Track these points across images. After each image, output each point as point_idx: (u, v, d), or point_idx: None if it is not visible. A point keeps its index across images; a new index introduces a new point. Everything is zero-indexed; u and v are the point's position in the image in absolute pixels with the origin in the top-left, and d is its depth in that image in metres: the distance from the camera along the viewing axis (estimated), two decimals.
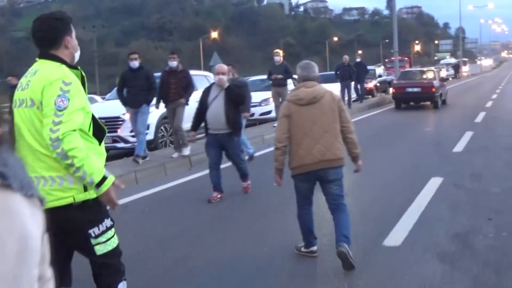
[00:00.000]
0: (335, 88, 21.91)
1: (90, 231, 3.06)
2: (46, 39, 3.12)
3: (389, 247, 5.45)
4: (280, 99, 15.10)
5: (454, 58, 78.53)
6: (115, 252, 3.22)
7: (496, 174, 8.78)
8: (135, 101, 10.13)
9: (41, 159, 2.96)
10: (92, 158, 2.97)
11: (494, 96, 27.96)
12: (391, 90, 26.48)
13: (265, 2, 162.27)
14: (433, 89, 20.97)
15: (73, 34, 3.21)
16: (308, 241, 5.32)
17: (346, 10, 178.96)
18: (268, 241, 5.83)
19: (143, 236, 6.27)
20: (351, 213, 6.64)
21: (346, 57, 21.16)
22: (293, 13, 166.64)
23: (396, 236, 5.71)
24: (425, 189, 7.71)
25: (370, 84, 29.06)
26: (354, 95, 23.36)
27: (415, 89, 21.32)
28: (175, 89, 10.55)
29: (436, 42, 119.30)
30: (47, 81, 2.94)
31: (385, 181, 8.48)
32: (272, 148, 12.35)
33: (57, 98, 2.89)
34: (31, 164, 2.93)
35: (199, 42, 61.51)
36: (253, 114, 18.06)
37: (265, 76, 21.64)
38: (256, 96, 18.35)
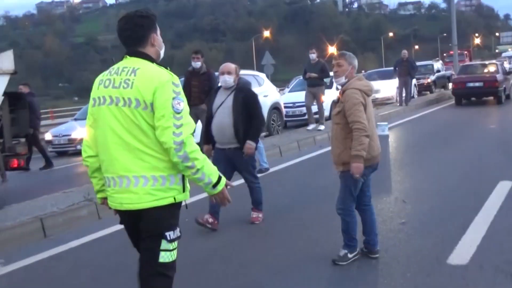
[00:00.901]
0: (393, 84, 21.30)
1: (167, 234, 3.03)
2: (133, 37, 3.10)
3: (454, 266, 4.73)
4: (315, 101, 14.58)
5: None
6: (173, 266, 3.13)
7: None
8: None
9: (142, 159, 2.94)
10: (208, 159, 3.03)
11: None
12: (450, 85, 25.42)
13: (318, 0, 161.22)
14: (496, 83, 19.80)
15: (158, 31, 3.20)
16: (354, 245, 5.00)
17: (402, 5, 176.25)
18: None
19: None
20: (409, 224, 6.08)
21: (405, 52, 20.27)
22: (347, 9, 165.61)
23: (462, 253, 4.99)
24: (493, 195, 6.92)
25: (428, 80, 27.94)
26: (411, 92, 22.53)
27: (477, 84, 20.19)
28: (197, 92, 9.61)
29: (497, 34, 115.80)
30: (159, 83, 2.91)
31: (447, 186, 7.69)
32: (325, 150, 11.91)
33: (173, 101, 2.89)
34: (126, 163, 2.95)
35: (252, 42, 61.35)
36: (305, 114, 17.53)
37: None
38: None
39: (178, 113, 2.89)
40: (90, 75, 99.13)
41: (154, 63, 3.06)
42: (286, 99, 18.01)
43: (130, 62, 3.06)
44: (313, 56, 14.28)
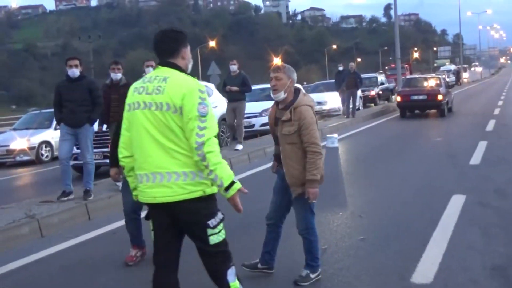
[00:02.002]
0: (335, 97, 21.41)
1: (209, 222, 3.30)
2: (167, 50, 3.44)
3: (419, 285, 4.58)
4: (236, 119, 13.15)
5: (453, 64, 77.94)
6: (225, 242, 3.43)
7: None
8: (74, 118, 7.91)
9: (174, 157, 3.23)
10: (224, 163, 3.24)
11: (500, 102, 27.15)
12: (394, 98, 25.82)
13: (262, 11, 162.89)
14: (440, 96, 20.18)
15: (188, 47, 3.55)
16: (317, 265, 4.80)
17: (344, 18, 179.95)
18: None
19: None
20: (368, 240, 5.90)
21: (352, 64, 20.57)
22: (290, 21, 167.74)
23: (425, 271, 4.85)
24: (448, 209, 6.89)
25: (373, 92, 28.35)
26: (357, 104, 22.79)
27: (421, 97, 20.53)
28: (116, 106, 7.89)
29: (435, 49, 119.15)
30: (187, 90, 3.23)
31: (401, 201, 7.62)
32: (248, 173, 11.69)
33: (199, 106, 3.19)
34: (160, 161, 3.24)
35: (197, 51, 60.89)
36: (253, 125, 17.37)
37: (264, 85, 20.99)
38: (256, 106, 17.73)
39: (203, 116, 3.18)
40: (29, 83, 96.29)
41: (183, 73, 3.38)
42: None
43: (161, 71, 3.38)
44: (234, 67, 13.14)
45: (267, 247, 4.84)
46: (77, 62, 7.97)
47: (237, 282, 3.46)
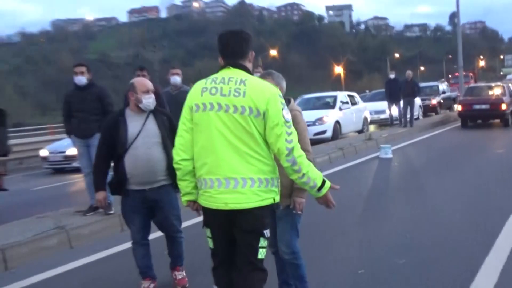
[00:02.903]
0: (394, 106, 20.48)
1: (265, 232, 3.19)
2: (238, 51, 3.24)
3: None
4: None
5: None
6: (263, 262, 3.26)
7: None
8: (84, 129, 7.41)
9: (250, 162, 3.04)
10: (312, 164, 3.15)
11: None
12: (456, 107, 24.63)
13: (326, 21, 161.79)
14: (503, 106, 18.96)
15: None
16: None
17: (408, 27, 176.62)
18: None
19: None
20: (409, 263, 5.25)
21: (409, 73, 19.67)
22: (354, 31, 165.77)
23: None
24: (504, 233, 6.07)
25: (434, 101, 27.16)
26: (417, 113, 21.80)
27: (483, 106, 19.35)
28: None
29: (501, 57, 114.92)
30: (270, 94, 3.07)
31: (452, 219, 6.85)
32: (325, 173, 11.14)
33: (283, 111, 3.05)
34: (236, 166, 3.04)
35: (259, 60, 60.92)
36: None
37: (320, 94, 20.39)
38: (310, 115, 17.07)
39: (288, 122, 3.05)
40: None
41: (255, 76, 3.23)
42: (288, 119, 17.18)
43: (233, 73, 3.15)
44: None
45: (282, 276, 4.25)
46: (83, 69, 7.41)
47: None
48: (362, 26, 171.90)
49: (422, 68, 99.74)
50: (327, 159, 12.76)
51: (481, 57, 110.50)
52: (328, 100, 18.72)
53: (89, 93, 7.41)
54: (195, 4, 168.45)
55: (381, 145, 13.67)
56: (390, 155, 12.93)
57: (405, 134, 17.90)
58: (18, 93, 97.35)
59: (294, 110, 3.85)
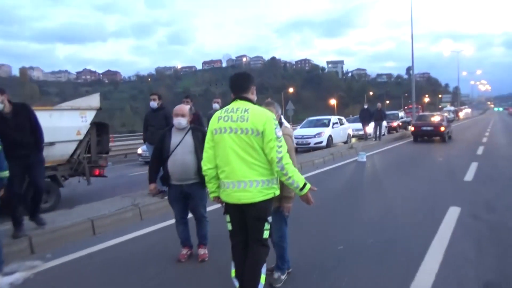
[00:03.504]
0: (371, 126, 19.45)
1: (268, 218, 2.92)
2: (243, 87, 2.97)
3: None
4: None
5: (453, 106, 72.22)
6: (267, 240, 2.96)
7: (509, 205, 6.17)
8: (153, 138, 6.80)
9: (254, 169, 2.81)
10: (297, 171, 2.88)
11: (487, 133, 23.88)
12: (410, 128, 23.47)
13: (326, 71, 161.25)
14: (443, 128, 17.82)
15: (255, 86, 3.05)
16: (286, 267, 3.68)
17: (379, 75, 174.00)
18: None
19: None
20: (375, 246, 4.53)
21: (378, 104, 18.99)
22: (344, 77, 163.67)
23: (423, 280, 3.49)
24: (446, 220, 5.33)
25: (395, 123, 26.04)
26: (383, 131, 20.80)
27: (429, 128, 18.20)
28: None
29: (440, 96, 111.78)
30: (266, 118, 2.81)
31: (407, 209, 6.06)
32: (320, 170, 10.41)
33: (275, 130, 2.79)
34: (244, 172, 2.80)
35: (282, 94, 60.39)
36: (309, 143, 16.08)
37: (318, 117, 19.58)
38: (312, 131, 16.63)
39: (279, 138, 2.79)
40: None
41: (255, 105, 2.95)
42: (297, 133, 16.54)
43: (240, 104, 2.90)
44: (216, 105, 8.21)
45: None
46: (155, 97, 7.05)
47: (264, 276, 2.93)
48: (350, 74, 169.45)
49: (387, 101, 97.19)
50: (322, 161, 12.01)
51: (427, 95, 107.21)
52: (325, 121, 17.93)
53: (159, 114, 6.97)
54: (244, 59, 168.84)
55: (359, 152, 12.83)
56: (364, 159, 12.08)
57: (375, 145, 16.93)
58: (133, 111, 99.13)
59: (286, 135, 3.25)
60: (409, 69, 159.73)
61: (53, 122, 6.73)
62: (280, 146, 2.79)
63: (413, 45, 25.66)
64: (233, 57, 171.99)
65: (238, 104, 2.91)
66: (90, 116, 7.39)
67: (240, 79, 3.00)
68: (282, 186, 3.11)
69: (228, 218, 2.99)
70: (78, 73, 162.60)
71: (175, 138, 4.05)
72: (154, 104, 7.00)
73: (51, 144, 6.72)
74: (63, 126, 6.91)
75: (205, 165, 2.98)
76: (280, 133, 2.82)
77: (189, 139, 4.02)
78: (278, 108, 3.48)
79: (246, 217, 2.89)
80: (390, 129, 25.27)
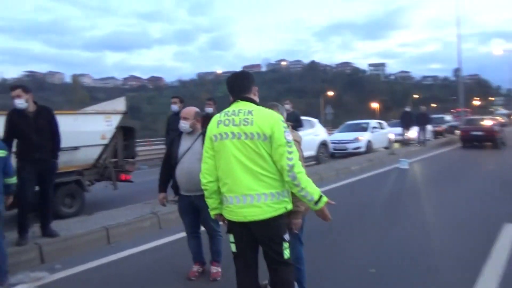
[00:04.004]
0: (412, 130, 18.30)
1: (285, 236, 2.45)
2: (243, 86, 2.54)
3: None
4: None
5: (505, 109, 67.69)
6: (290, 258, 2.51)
7: None
8: None
9: (262, 180, 2.34)
10: (311, 181, 2.38)
11: None
12: (457, 132, 21.92)
13: (368, 73, 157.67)
14: (495, 133, 16.38)
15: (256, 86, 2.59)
16: None
17: (424, 78, 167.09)
18: None
19: None
20: (414, 271, 3.79)
21: (423, 107, 17.74)
22: (386, 80, 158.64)
23: None
24: (500, 240, 4.56)
25: (441, 127, 24.51)
26: (429, 135, 19.49)
27: (479, 132, 16.80)
28: None
29: (491, 98, 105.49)
30: (274, 120, 2.36)
31: (454, 227, 5.30)
32: (357, 178, 9.72)
33: (285, 134, 2.35)
34: (250, 184, 2.34)
35: (321, 99, 59.32)
36: (346, 149, 15.30)
37: (357, 121, 18.68)
38: (349, 135, 15.85)
39: (289, 142, 2.36)
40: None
41: (260, 106, 2.50)
42: (334, 137, 15.78)
43: (242, 105, 2.47)
44: (288, 107, 8.95)
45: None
46: (176, 100, 6.72)
47: None
48: (393, 77, 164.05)
49: (434, 105, 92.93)
50: (359, 168, 11.26)
51: (476, 98, 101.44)
52: (363, 125, 17.05)
53: (179, 117, 6.58)
54: (283, 63, 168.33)
55: (400, 159, 11.94)
56: (407, 166, 11.20)
57: (419, 151, 15.79)
58: None
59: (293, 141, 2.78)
60: (456, 71, 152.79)
61: (78, 127, 6.63)
62: (291, 152, 2.36)
63: (460, 44, 24.16)
64: (273, 61, 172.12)
65: (240, 106, 2.48)
66: (115, 120, 7.25)
67: (240, 78, 2.59)
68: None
69: (231, 238, 2.56)
70: (124, 79, 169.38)
71: (184, 144, 3.65)
72: (175, 107, 6.73)
73: (76, 148, 6.62)
74: (87, 131, 6.79)
75: (205, 178, 2.56)
76: (290, 137, 2.39)
77: (198, 145, 3.57)
78: (282, 111, 3.00)
79: (255, 236, 2.47)
80: (437, 134, 23.77)
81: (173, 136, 3.88)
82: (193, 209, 3.67)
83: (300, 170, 2.37)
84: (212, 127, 2.52)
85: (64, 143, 6.37)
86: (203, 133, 3.66)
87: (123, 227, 5.11)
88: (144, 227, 5.32)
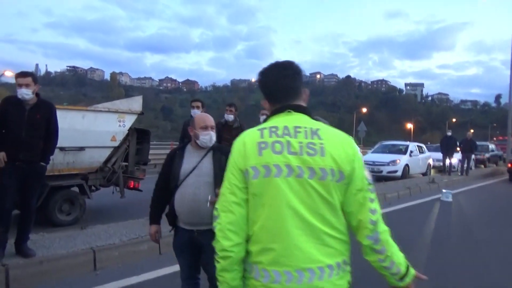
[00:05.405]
0: (456, 156, 16.73)
1: None
2: (296, 87, 1.52)
3: None
4: None
5: None
6: None
7: None
8: None
9: (329, 245, 1.39)
10: (395, 244, 1.46)
11: None
12: (503, 163, 20.12)
13: (404, 93, 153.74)
14: None
15: None
16: None
17: (463, 101, 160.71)
18: None
19: None
20: None
21: (469, 134, 16.05)
22: (423, 101, 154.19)
23: None
24: None
25: (484, 156, 22.71)
26: (471, 164, 17.81)
27: None
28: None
29: None
30: (352, 149, 1.43)
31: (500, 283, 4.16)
32: (393, 208, 8.53)
33: (365, 170, 1.45)
34: (310, 251, 1.36)
35: (354, 115, 57.66)
36: (381, 171, 14.03)
37: (394, 142, 17.33)
38: (385, 157, 14.55)
39: (371, 184, 1.44)
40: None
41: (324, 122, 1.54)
42: (368, 158, 14.55)
43: (298, 119, 1.45)
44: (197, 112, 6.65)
45: None
46: (198, 104, 5.71)
47: None
48: (430, 98, 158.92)
49: (472, 130, 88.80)
50: (396, 195, 10.03)
51: None
52: (401, 147, 15.72)
53: None
54: (318, 76, 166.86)
55: (443, 189, 10.62)
56: (450, 199, 9.88)
57: (461, 181, 14.29)
58: None
59: None
60: (498, 97, 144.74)
61: (86, 125, 5.91)
62: (373, 200, 1.45)
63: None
64: (307, 74, 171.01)
65: (295, 120, 1.49)
66: (129, 120, 6.51)
67: (290, 74, 1.54)
68: None
69: None
70: (160, 80, 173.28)
71: (188, 161, 2.66)
72: (196, 112, 5.80)
73: (81, 149, 5.90)
74: (96, 130, 6.07)
75: (229, 239, 1.45)
76: (370, 176, 1.49)
77: (207, 165, 2.64)
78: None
79: None
80: (478, 162, 22.00)
81: (173, 149, 2.94)
82: (194, 247, 2.70)
83: (384, 228, 1.45)
84: (249, 153, 1.46)
85: (69, 142, 5.74)
86: (215, 149, 2.74)
87: (114, 250, 4.25)
88: (141, 251, 4.45)
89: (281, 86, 1.53)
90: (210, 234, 2.63)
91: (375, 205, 1.45)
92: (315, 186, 1.39)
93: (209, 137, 2.66)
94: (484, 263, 4.95)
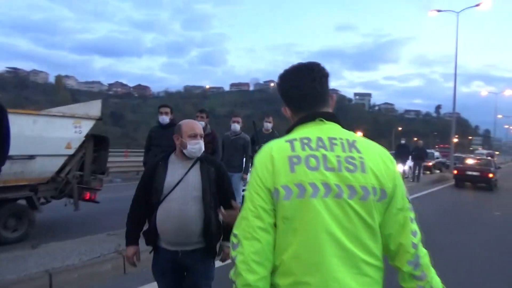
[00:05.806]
0: (407, 164, 17.44)
1: None
2: (325, 93, 1.34)
3: None
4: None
5: (484, 149, 68.79)
6: None
7: None
8: None
9: (367, 274, 1.18)
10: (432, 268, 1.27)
11: None
12: (447, 169, 21.42)
13: (353, 102, 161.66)
14: (491, 174, 15.72)
15: None
16: None
17: (407, 111, 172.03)
18: None
19: None
20: None
21: (420, 142, 17.06)
22: (370, 110, 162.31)
23: None
24: None
25: (430, 163, 24.06)
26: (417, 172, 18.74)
27: (475, 173, 16.12)
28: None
29: (470, 137, 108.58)
30: (393, 163, 1.27)
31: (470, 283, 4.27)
32: None
33: (404, 187, 1.28)
34: (349, 283, 1.14)
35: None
36: None
37: None
38: None
39: (411, 203, 1.28)
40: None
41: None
42: None
43: (332, 130, 1.28)
44: (269, 125, 7.02)
45: None
46: (167, 109, 5.42)
47: None
48: (377, 108, 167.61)
49: (415, 138, 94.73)
50: None
51: (456, 136, 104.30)
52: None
53: (169, 131, 5.28)
54: (272, 84, 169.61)
55: None
56: None
57: (414, 187, 14.89)
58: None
59: None
60: (438, 107, 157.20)
61: (37, 131, 5.34)
62: (413, 221, 1.28)
63: (456, 82, 24.07)
64: (261, 82, 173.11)
65: (329, 131, 1.29)
66: (86, 126, 6.00)
67: (317, 77, 1.33)
68: None
69: None
70: (110, 84, 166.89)
71: (173, 172, 2.35)
72: (165, 118, 5.47)
73: (31, 157, 5.32)
74: (49, 137, 5.51)
75: (255, 273, 1.18)
76: (408, 194, 1.32)
77: (194, 177, 2.34)
78: None
79: None
80: (424, 169, 23.21)
81: (154, 159, 2.62)
82: (177, 270, 2.40)
83: (424, 251, 1.28)
84: (279, 169, 1.22)
85: (16, 150, 5.13)
86: (202, 159, 2.43)
87: (73, 272, 3.80)
88: (102, 272, 4.03)
89: (308, 91, 1.33)
90: (197, 254, 2.38)
91: (416, 226, 1.29)
92: (355, 208, 1.19)
93: (199, 146, 2.38)
94: (453, 269, 5.04)
